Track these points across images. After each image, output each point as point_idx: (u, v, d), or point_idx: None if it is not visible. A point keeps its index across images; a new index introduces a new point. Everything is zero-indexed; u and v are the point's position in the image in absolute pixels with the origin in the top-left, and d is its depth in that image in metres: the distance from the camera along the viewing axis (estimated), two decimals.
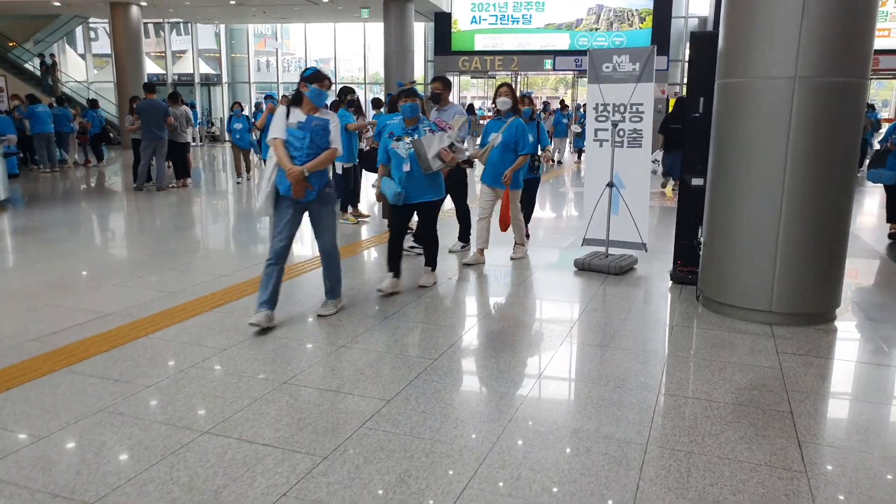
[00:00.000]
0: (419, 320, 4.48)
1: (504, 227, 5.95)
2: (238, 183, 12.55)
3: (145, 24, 26.73)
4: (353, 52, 26.66)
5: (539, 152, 6.72)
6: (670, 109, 15.07)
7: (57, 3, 20.60)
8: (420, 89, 24.16)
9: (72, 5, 21.09)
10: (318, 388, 3.38)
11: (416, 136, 4.82)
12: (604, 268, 5.73)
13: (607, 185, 5.83)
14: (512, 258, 6.25)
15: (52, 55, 24.23)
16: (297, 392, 3.33)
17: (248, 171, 13.03)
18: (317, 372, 3.59)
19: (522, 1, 21.51)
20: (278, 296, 4.32)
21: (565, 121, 18.01)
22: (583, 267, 5.84)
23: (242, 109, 12.67)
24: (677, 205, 5.50)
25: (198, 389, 3.36)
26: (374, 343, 4.04)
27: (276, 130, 4.16)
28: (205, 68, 27.44)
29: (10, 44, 23.79)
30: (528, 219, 6.73)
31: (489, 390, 3.37)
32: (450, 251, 6.49)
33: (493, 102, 5.93)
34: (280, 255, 4.25)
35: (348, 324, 4.38)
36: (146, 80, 19.52)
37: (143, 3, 20.15)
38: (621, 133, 5.77)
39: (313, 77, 4.16)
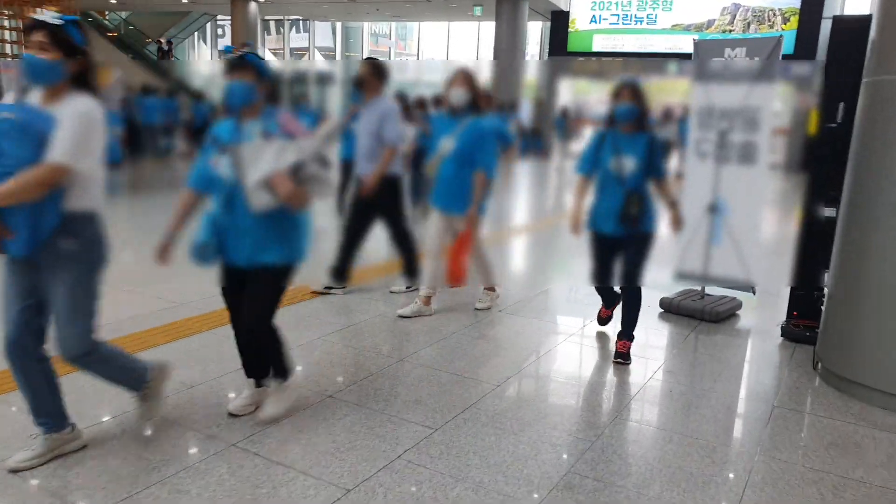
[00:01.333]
0: (432, 365, 3.60)
1: (454, 281, 4.10)
2: None
3: (267, 20, 27.58)
4: (469, 53, 26.06)
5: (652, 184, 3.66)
6: (811, 122, 13.18)
7: (185, 0, 21.43)
8: (530, 94, 23.01)
9: (197, 2, 21.86)
10: (270, 460, 2.59)
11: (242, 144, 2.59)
12: (696, 312, 4.58)
13: (708, 208, 4.67)
14: (477, 308, 4.56)
15: (168, 41, 25.18)
16: (241, 461, 2.56)
17: None
18: (281, 433, 2.81)
19: None
20: (58, 408, 2.53)
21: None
22: (670, 308, 4.72)
23: (307, 104, 9.83)
24: (797, 239, 4.27)
25: (167, 431, 2.68)
26: (365, 399, 3.21)
27: None
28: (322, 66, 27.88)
29: (147, 40, 25.14)
30: (628, 294, 3.84)
31: (490, 488, 2.45)
32: (391, 291, 4.89)
33: (446, 94, 4.15)
34: (17, 348, 2.37)
35: (339, 369, 3.58)
36: None
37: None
38: (729, 145, 4.59)
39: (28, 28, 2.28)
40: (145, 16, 25.76)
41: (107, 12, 24.41)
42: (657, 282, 5.43)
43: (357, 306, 4.55)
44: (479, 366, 3.65)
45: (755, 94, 4.46)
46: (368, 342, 3.91)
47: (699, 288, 4.83)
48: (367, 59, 4.75)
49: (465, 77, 4.06)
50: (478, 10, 19.96)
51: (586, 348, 4.08)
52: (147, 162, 13.88)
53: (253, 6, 20.73)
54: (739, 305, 4.74)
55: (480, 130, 4.09)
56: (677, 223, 3.64)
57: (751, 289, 4.77)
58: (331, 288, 4.77)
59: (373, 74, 4.48)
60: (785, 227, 7.97)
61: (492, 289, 4.68)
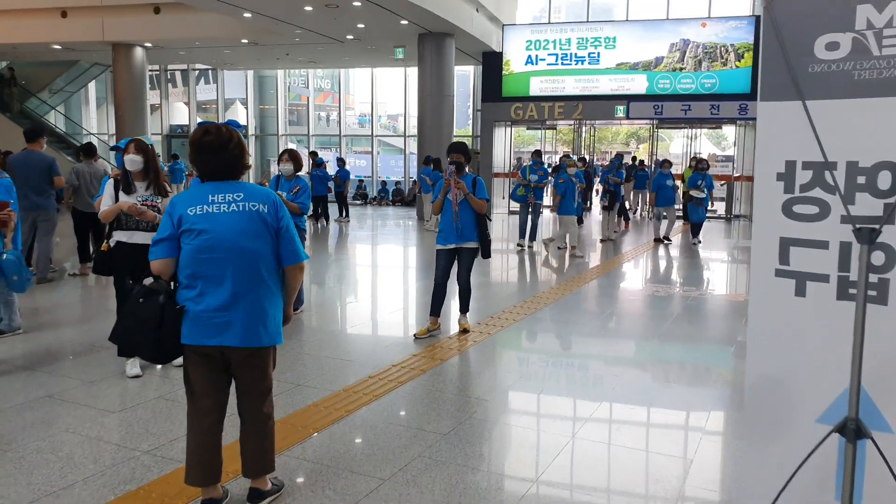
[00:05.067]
0: None
1: None
2: None
3: (172, 70, 24.57)
4: (397, 100, 23.56)
5: None
6: None
7: (57, 47, 18.28)
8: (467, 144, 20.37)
9: (74, 49, 18.74)
10: None
11: None
12: None
13: (837, 428, 1.80)
14: None
15: (10, 68, 21.64)
16: None
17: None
18: None
19: (589, 37, 17.88)
20: None
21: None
22: None
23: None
24: None
25: None
26: None
27: None
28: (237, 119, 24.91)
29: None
30: None
31: None
32: None
33: None
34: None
35: None
36: (151, 130, 16.88)
37: (148, 45, 17.52)
38: (888, 257, 1.79)
39: None
40: (27, 66, 22.42)
41: None
42: None
43: None
44: None
45: None
46: None
47: None
48: None
49: None
50: (399, 53, 17.43)
51: None
52: None
53: (139, 53, 17.73)
54: None
55: None
56: None
57: None
58: None
59: None
60: None
61: None
